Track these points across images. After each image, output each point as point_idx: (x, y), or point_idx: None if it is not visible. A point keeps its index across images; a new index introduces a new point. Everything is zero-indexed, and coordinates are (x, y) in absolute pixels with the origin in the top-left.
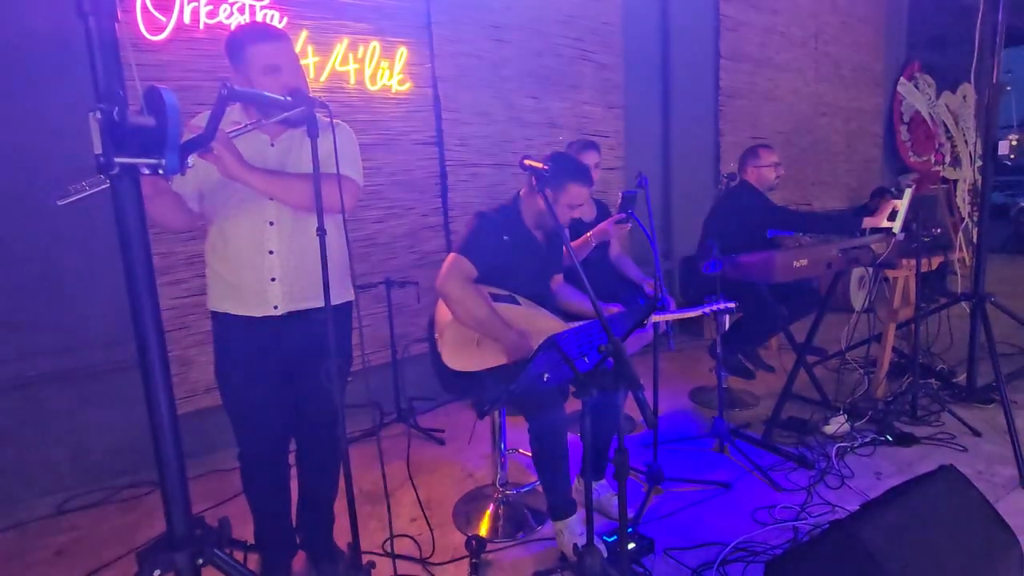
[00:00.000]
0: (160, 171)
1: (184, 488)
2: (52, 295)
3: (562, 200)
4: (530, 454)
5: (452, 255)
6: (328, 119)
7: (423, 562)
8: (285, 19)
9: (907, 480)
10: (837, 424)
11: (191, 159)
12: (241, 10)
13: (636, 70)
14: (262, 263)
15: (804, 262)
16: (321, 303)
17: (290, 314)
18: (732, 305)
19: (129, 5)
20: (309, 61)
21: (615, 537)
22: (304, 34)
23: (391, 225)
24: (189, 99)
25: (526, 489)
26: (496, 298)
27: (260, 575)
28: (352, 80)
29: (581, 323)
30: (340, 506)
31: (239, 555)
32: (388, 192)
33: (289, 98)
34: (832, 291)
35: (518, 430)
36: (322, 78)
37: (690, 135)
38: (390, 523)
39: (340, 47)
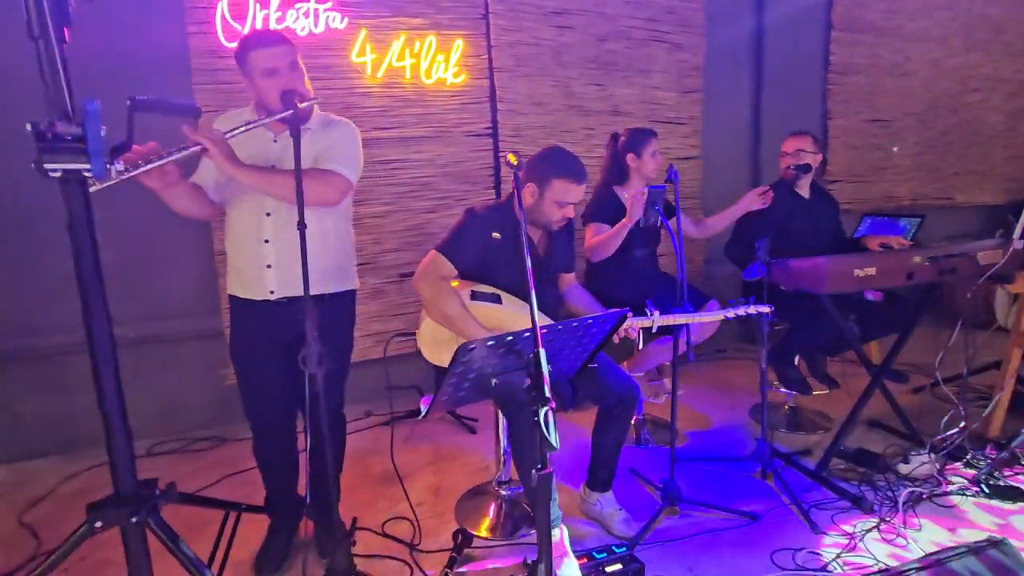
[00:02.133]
0: (88, 175)
1: (129, 454)
2: (150, 271)
3: (547, 196)
4: None
5: (432, 252)
6: (335, 116)
7: (411, 547)
8: (346, 20)
9: (950, 548)
10: (918, 463)
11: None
12: (307, 14)
13: (720, 49)
14: (259, 251)
15: (870, 271)
16: (316, 290)
17: (285, 299)
18: (766, 309)
19: (209, 17)
20: (367, 59)
21: (605, 554)
22: (364, 33)
23: (442, 216)
24: None
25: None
26: (480, 296)
27: (267, 538)
28: (408, 75)
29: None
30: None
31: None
32: (439, 183)
33: (192, 105)
34: (924, 306)
35: None
36: (379, 74)
37: (787, 119)
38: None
39: (397, 43)
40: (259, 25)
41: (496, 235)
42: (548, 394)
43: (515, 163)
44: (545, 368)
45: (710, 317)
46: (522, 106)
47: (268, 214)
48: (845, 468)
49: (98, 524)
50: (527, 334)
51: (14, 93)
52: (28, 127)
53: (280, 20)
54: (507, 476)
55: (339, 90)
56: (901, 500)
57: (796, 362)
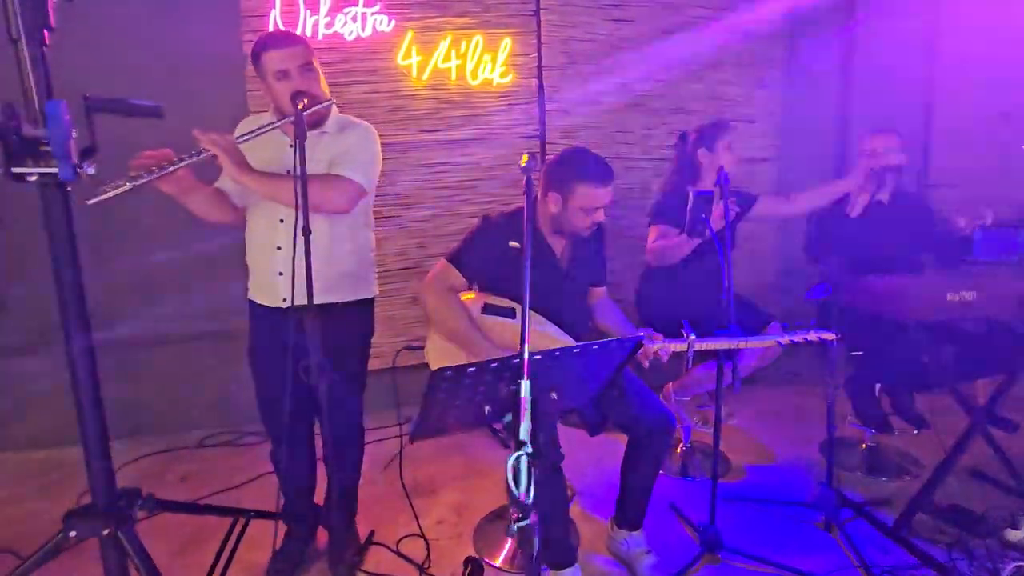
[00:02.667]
0: (57, 178)
1: (107, 466)
2: (208, 270)
3: (572, 203)
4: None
5: (441, 261)
6: (355, 119)
7: (421, 569)
8: (393, 22)
9: None
10: None
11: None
12: (355, 18)
13: (806, 36)
14: (273, 258)
15: (968, 296)
16: (331, 299)
17: (298, 307)
18: (831, 337)
19: (263, 24)
20: (412, 61)
21: None
22: (410, 35)
23: None
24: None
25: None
26: (492, 310)
27: (282, 544)
28: (453, 76)
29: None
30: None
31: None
32: (485, 187)
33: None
34: None
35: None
36: (424, 76)
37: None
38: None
39: (443, 44)
40: (309, 31)
41: (514, 244)
42: (525, 437)
43: (525, 164)
44: (526, 402)
45: (757, 343)
46: (573, 106)
47: (281, 220)
48: (933, 528)
49: (72, 534)
50: (517, 360)
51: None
52: None
53: (329, 25)
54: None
55: (385, 93)
56: (1005, 574)
57: (877, 394)
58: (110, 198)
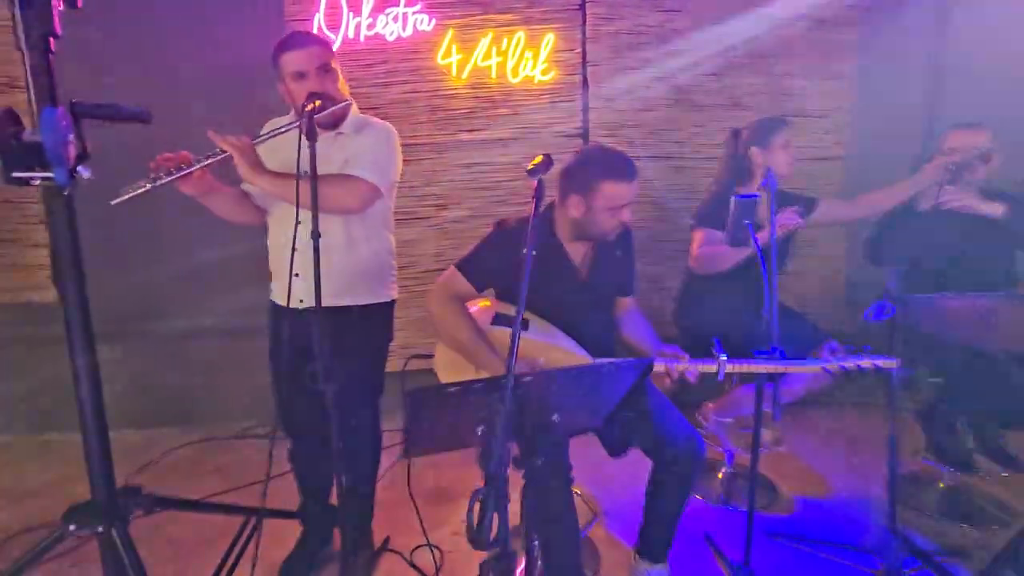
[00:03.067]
0: (54, 182)
1: (108, 465)
2: (256, 264)
3: (596, 204)
4: (578, 492)
5: (450, 267)
6: (374, 119)
7: None
8: (433, 21)
9: None
10: None
11: None
12: (396, 19)
13: (885, 17)
14: (288, 259)
15: None
16: (346, 301)
17: (307, 309)
18: (892, 364)
19: (305, 28)
20: (452, 59)
21: None
22: (450, 33)
23: None
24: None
25: None
26: (503, 321)
27: (297, 543)
28: (494, 74)
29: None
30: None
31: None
32: (523, 187)
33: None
34: None
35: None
36: (464, 75)
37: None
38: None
39: (484, 41)
40: (351, 34)
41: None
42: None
43: (534, 168)
44: (500, 431)
45: (799, 368)
46: (619, 102)
47: (299, 222)
48: None
49: (71, 527)
50: (528, 378)
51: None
52: None
53: (371, 27)
54: None
55: (425, 93)
56: None
57: (960, 428)
58: (132, 198)
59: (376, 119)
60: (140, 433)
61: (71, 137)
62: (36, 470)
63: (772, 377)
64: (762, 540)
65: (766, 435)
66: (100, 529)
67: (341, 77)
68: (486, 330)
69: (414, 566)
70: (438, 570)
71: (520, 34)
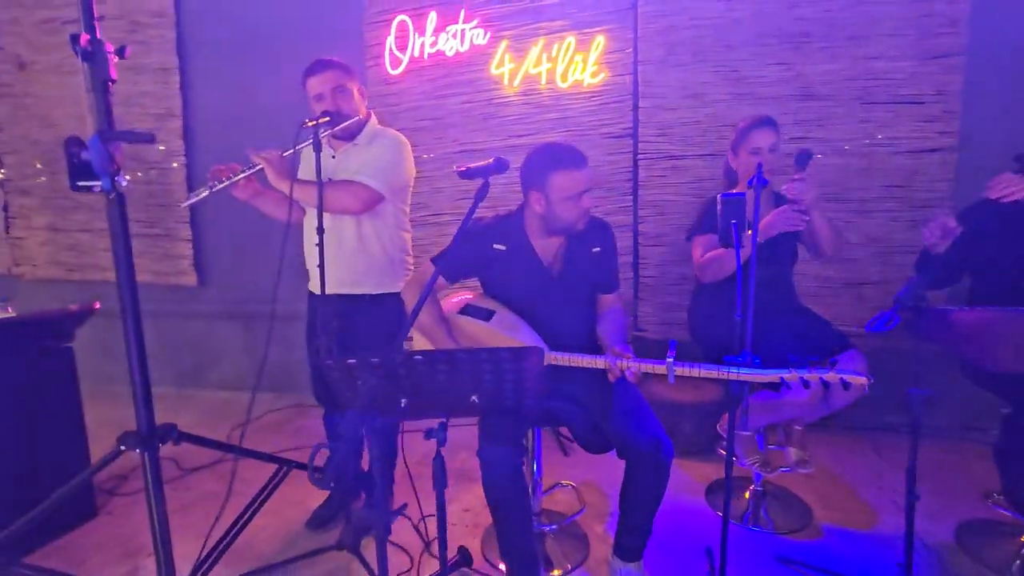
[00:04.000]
0: (99, 190)
1: (149, 406)
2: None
3: (553, 196)
4: (572, 484)
5: (426, 261)
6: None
7: (426, 544)
8: (488, 34)
9: None
10: None
11: None
12: (455, 35)
13: None
14: (313, 252)
15: None
16: (359, 290)
17: (335, 296)
18: (861, 380)
19: (379, 52)
20: (504, 69)
21: None
22: (504, 44)
23: None
24: (415, 116)
25: (551, 528)
26: (471, 311)
27: (325, 500)
28: (543, 80)
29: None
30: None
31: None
32: None
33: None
34: None
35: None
36: (515, 83)
37: None
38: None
39: (535, 49)
40: (416, 53)
41: (499, 246)
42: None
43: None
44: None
45: (757, 376)
46: (671, 100)
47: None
48: None
49: (122, 448)
50: (417, 356)
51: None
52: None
53: (433, 44)
54: (537, 507)
55: (480, 102)
56: None
57: None
58: (196, 201)
59: (389, 131)
60: (247, 395)
61: (112, 155)
62: (179, 416)
63: (776, 387)
64: (768, 562)
65: (791, 454)
66: (138, 450)
67: (357, 95)
68: (453, 318)
69: (417, 530)
70: (430, 540)
71: (570, 39)
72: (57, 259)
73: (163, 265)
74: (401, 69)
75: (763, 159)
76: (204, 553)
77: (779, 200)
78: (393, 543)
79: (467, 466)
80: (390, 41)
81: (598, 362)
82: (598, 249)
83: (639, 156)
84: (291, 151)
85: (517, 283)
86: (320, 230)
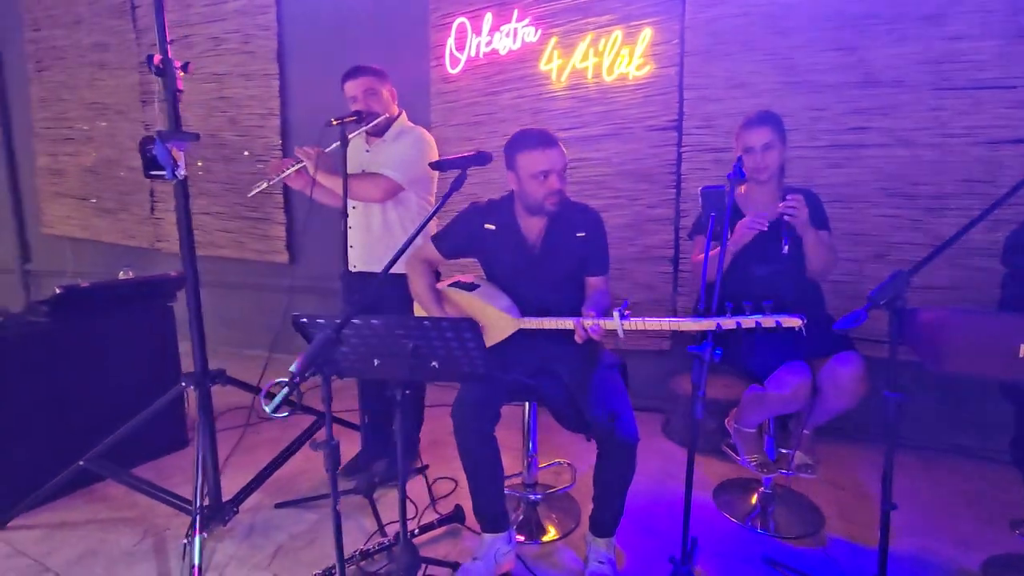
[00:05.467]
0: (165, 178)
1: (203, 355)
2: None
3: (522, 175)
4: (568, 462)
5: (427, 239)
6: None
7: (432, 501)
8: (539, 32)
9: None
10: None
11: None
12: (508, 34)
13: None
14: (347, 233)
15: None
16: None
17: (362, 273)
18: (797, 322)
19: (441, 53)
20: (553, 65)
21: None
22: (553, 41)
23: (612, 215)
24: (471, 112)
25: (537, 496)
26: (459, 285)
27: (356, 454)
28: (590, 75)
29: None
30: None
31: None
32: (614, 181)
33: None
34: None
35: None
36: (563, 78)
37: None
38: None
39: (583, 44)
40: (472, 52)
41: (489, 226)
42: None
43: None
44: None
45: (688, 325)
46: (716, 91)
47: (354, 207)
48: None
49: (183, 384)
50: (374, 321)
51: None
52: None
53: (488, 44)
54: (531, 479)
55: (529, 98)
56: None
57: None
58: (259, 192)
59: (415, 127)
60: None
61: (173, 151)
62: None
63: (759, 380)
64: (755, 563)
65: (796, 458)
66: (193, 387)
67: (387, 96)
68: (443, 290)
69: (429, 488)
70: (443, 498)
71: (617, 33)
72: None
73: (262, 244)
74: (459, 68)
75: (755, 158)
76: (248, 482)
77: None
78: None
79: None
80: (450, 42)
81: (565, 322)
82: (583, 234)
83: (682, 148)
84: (331, 149)
85: (504, 258)
86: (344, 215)
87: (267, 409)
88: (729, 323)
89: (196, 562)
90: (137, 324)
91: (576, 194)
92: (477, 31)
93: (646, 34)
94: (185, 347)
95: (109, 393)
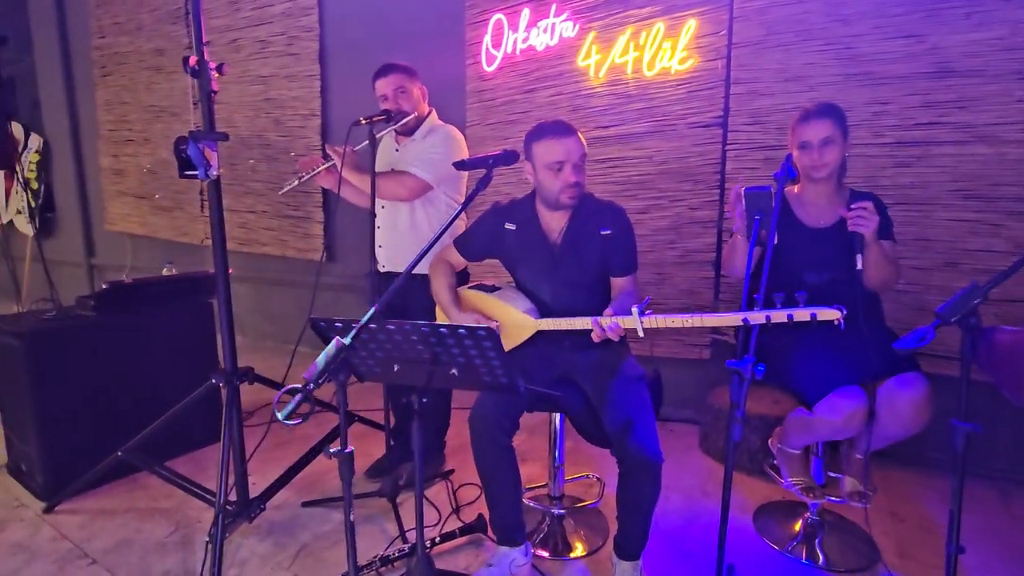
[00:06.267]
0: (199, 178)
1: (234, 352)
2: None
3: (538, 167)
4: (597, 476)
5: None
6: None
7: (454, 509)
8: (577, 27)
9: None
10: None
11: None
12: (545, 30)
13: None
14: (375, 233)
15: None
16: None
17: (390, 273)
18: (836, 314)
19: (476, 51)
20: (591, 61)
21: None
22: (592, 35)
23: (653, 217)
24: (508, 110)
25: (560, 511)
26: (480, 287)
27: (384, 453)
28: (629, 70)
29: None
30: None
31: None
32: (656, 182)
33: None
34: None
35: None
36: (601, 74)
37: None
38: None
39: (622, 39)
40: (509, 49)
41: (510, 226)
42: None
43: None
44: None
45: (711, 320)
46: (767, 84)
47: (382, 206)
48: None
49: (213, 380)
50: (391, 326)
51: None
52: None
53: (525, 40)
54: (557, 492)
55: (567, 95)
56: None
57: None
58: (289, 189)
59: (444, 126)
60: None
61: (206, 151)
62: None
63: (807, 404)
64: None
65: (846, 484)
66: (221, 384)
67: (418, 94)
68: (462, 291)
69: (454, 496)
70: (467, 505)
71: (659, 25)
72: (232, 234)
73: (303, 243)
74: (496, 65)
75: (812, 154)
76: (276, 479)
77: (854, 198)
78: (429, 500)
79: (523, 448)
80: (486, 39)
81: (584, 321)
82: (608, 232)
83: (727, 146)
84: (360, 148)
85: (526, 256)
86: (372, 215)
87: (279, 416)
88: (758, 317)
89: (214, 562)
90: (178, 319)
91: (615, 195)
92: (514, 27)
93: (690, 25)
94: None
95: (150, 385)
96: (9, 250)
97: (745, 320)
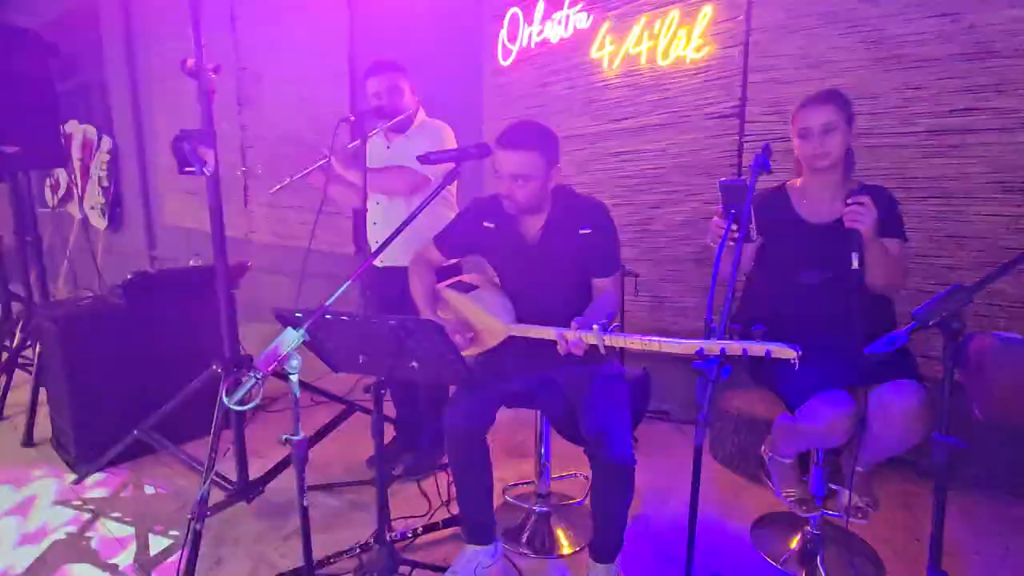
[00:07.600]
0: (196, 175)
1: (235, 342)
2: None
3: (498, 170)
4: (581, 474)
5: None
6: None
7: (446, 504)
8: (591, 17)
9: None
10: None
11: None
12: (559, 22)
13: None
14: (370, 230)
15: None
16: (401, 263)
17: (386, 268)
18: (792, 353)
19: (492, 43)
20: (605, 52)
21: None
22: (606, 26)
23: (667, 212)
24: (523, 104)
25: (543, 508)
26: (456, 287)
27: (388, 442)
28: (643, 60)
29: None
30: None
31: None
32: (670, 175)
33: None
34: None
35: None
36: (615, 65)
37: None
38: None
39: (636, 28)
40: (525, 43)
41: (488, 224)
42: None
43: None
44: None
45: (672, 346)
46: (787, 72)
47: (377, 202)
48: None
49: (214, 367)
50: (344, 317)
51: None
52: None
53: (540, 33)
54: (544, 489)
55: (581, 88)
56: None
57: None
58: (280, 189)
59: (434, 121)
60: None
61: (202, 149)
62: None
63: (790, 408)
64: None
65: (844, 497)
66: (223, 372)
67: (409, 92)
68: (441, 290)
69: (447, 487)
70: (449, 499)
71: (674, 13)
72: (274, 229)
73: (334, 236)
74: (511, 60)
75: (812, 143)
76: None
77: (859, 192)
78: (421, 490)
79: (516, 440)
80: (502, 34)
81: (551, 332)
82: (587, 231)
83: (744, 138)
84: (355, 144)
85: (504, 256)
86: (363, 210)
87: (226, 401)
88: (713, 348)
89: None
90: (201, 308)
91: (629, 189)
92: (529, 20)
93: (706, 12)
94: (245, 331)
95: (173, 370)
96: (87, 242)
97: (700, 351)
